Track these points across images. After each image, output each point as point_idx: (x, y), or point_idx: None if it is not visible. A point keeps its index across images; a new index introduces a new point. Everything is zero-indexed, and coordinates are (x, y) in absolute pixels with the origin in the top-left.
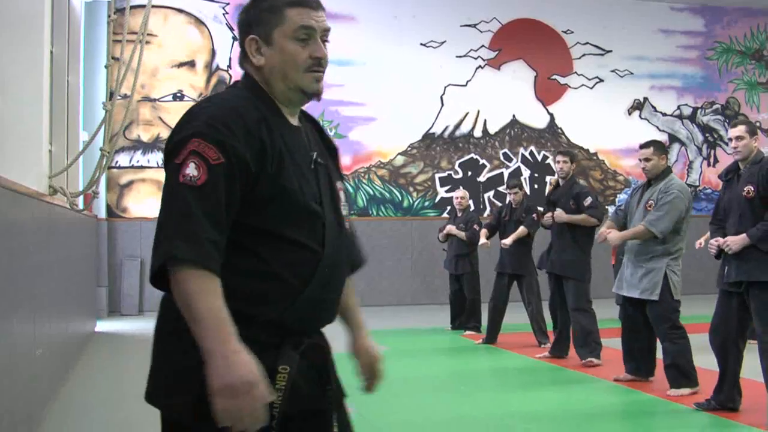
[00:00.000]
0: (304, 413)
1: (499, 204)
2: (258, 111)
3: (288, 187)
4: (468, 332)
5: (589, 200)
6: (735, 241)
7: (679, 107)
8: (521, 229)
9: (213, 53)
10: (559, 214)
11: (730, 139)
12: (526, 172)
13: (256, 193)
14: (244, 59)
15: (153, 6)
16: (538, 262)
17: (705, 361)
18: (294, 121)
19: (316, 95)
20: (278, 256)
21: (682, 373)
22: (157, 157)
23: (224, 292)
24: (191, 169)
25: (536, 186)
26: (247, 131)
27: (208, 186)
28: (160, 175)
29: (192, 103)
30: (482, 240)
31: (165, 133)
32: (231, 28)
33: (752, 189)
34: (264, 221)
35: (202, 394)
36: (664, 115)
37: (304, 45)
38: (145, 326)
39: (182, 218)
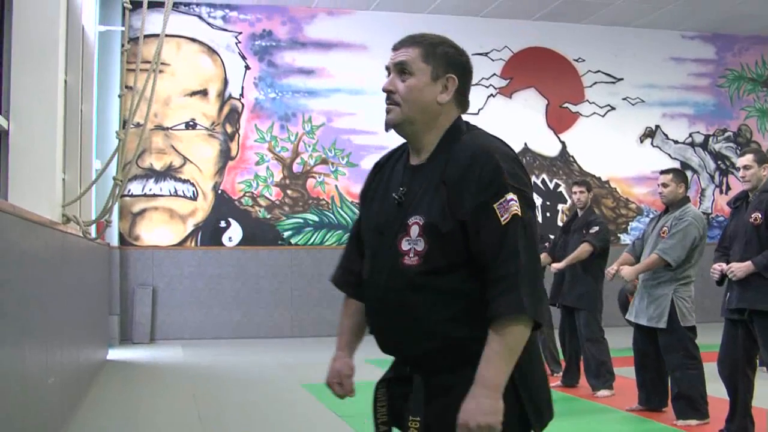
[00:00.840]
0: None
1: None
2: (392, 156)
3: (362, 220)
4: None
5: (595, 229)
6: (740, 268)
7: (690, 135)
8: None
9: (225, 82)
10: (555, 266)
11: (738, 168)
12: (538, 201)
13: None
14: None
15: (166, 35)
16: (550, 297)
17: (719, 389)
18: (416, 159)
19: (386, 125)
20: None
21: (690, 405)
22: (170, 186)
23: None
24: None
25: (548, 214)
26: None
27: None
28: (172, 203)
29: (205, 132)
30: None
31: (177, 162)
32: (243, 57)
33: (759, 216)
34: None
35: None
36: (676, 142)
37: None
38: (156, 354)
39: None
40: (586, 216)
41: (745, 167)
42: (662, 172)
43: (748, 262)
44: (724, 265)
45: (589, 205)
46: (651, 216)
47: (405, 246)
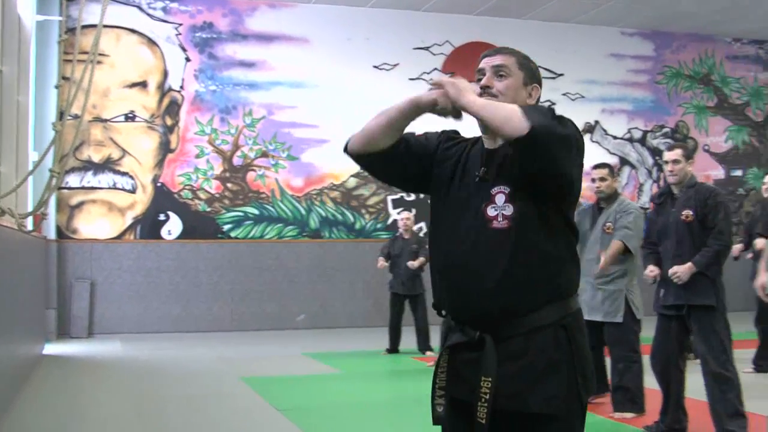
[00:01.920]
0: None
1: None
2: (460, 142)
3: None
4: (429, 354)
5: None
6: (683, 271)
7: (629, 130)
8: None
9: (165, 74)
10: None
11: (666, 162)
12: None
13: None
14: None
15: (105, 26)
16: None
17: (652, 382)
18: (492, 144)
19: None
20: None
21: (629, 398)
22: (109, 178)
23: None
24: None
25: None
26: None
27: None
28: (112, 196)
29: (144, 124)
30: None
31: (116, 154)
32: (184, 49)
33: (691, 213)
34: None
35: None
36: (615, 138)
37: (478, 83)
38: (94, 349)
39: None
40: None
41: (674, 162)
42: (597, 167)
43: (689, 264)
44: (656, 270)
45: None
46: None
47: (491, 212)
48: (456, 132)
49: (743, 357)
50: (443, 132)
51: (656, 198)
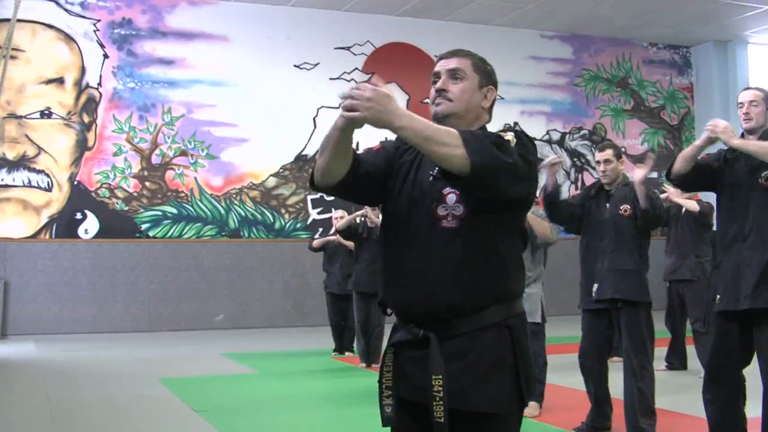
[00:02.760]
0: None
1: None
2: None
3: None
4: (348, 354)
5: None
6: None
7: (548, 132)
8: None
9: (83, 70)
10: None
11: (599, 162)
12: None
13: None
14: None
15: (20, 20)
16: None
17: (574, 382)
18: None
19: (435, 117)
20: None
21: (541, 392)
22: (23, 176)
23: None
24: None
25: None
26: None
27: None
28: (26, 194)
29: (61, 121)
30: None
31: (32, 151)
32: (102, 45)
33: (629, 207)
34: None
35: None
36: (534, 139)
37: (433, 86)
38: (7, 350)
39: None
40: None
41: (606, 161)
42: None
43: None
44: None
45: None
46: None
47: (441, 212)
48: None
49: (657, 355)
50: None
51: (591, 190)
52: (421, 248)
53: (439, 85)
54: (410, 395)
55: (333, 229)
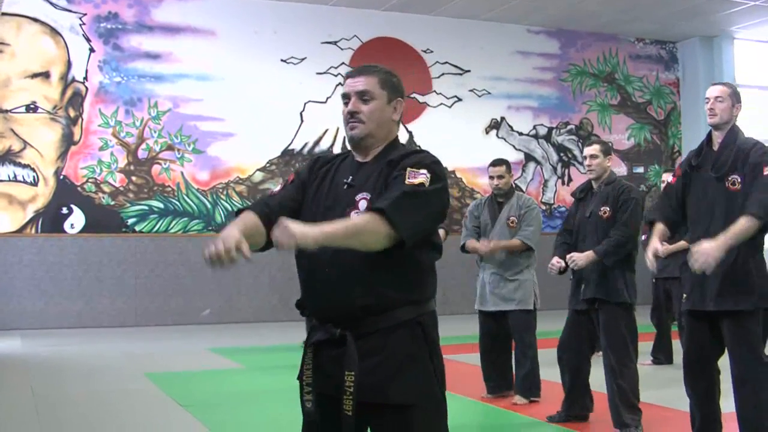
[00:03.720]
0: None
1: None
2: (335, 158)
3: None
4: None
5: None
6: (581, 257)
7: (535, 127)
8: None
9: (69, 64)
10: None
11: (585, 158)
12: None
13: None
14: None
15: (5, 14)
16: None
17: (551, 373)
18: (362, 158)
19: (352, 140)
20: None
21: (535, 383)
22: (9, 170)
23: None
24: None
25: None
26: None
27: None
28: (12, 189)
29: (46, 116)
30: None
31: (17, 146)
32: (88, 39)
33: (608, 210)
34: None
35: None
36: (521, 134)
37: (345, 106)
38: None
39: None
40: None
41: (592, 156)
42: (495, 164)
43: (590, 252)
44: (561, 262)
45: None
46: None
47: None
48: (331, 154)
49: (643, 350)
50: (317, 159)
51: (577, 193)
52: (336, 253)
53: (349, 107)
54: (329, 391)
55: None
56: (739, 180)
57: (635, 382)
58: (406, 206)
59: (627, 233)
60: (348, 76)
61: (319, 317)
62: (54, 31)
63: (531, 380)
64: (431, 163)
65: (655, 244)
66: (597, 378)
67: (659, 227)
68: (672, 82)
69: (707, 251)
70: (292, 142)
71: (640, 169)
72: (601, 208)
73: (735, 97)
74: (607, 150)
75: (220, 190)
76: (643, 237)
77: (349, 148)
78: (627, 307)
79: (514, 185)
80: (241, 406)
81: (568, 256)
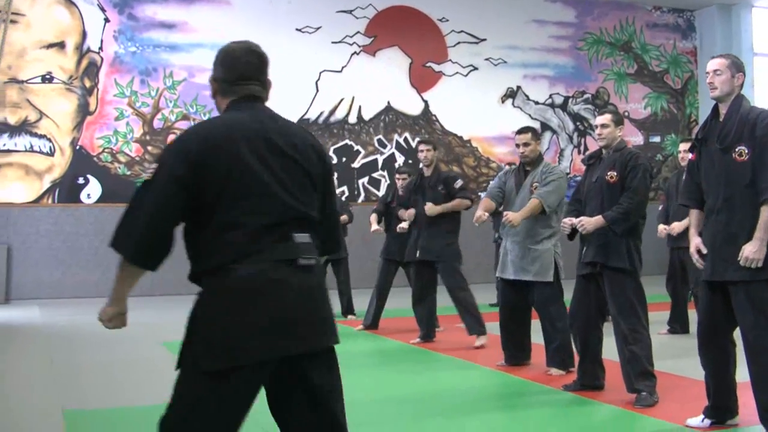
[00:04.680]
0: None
1: (373, 190)
2: None
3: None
4: (351, 318)
5: (459, 182)
6: (590, 222)
7: (551, 96)
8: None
9: (84, 35)
10: (430, 207)
11: (596, 126)
12: (400, 159)
13: None
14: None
15: None
16: (407, 254)
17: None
18: None
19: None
20: None
21: (567, 354)
22: (25, 141)
23: None
24: None
25: (410, 173)
26: None
27: None
28: (28, 159)
29: (62, 86)
30: (374, 226)
31: (33, 116)
32: (103, 9)
33: (615, 174)
34: None
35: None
36: (537, 103)
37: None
38: (11, 315)
39: None
40: (436, 173)
41: (603, 125)
42: (520, 132)
43: (599, 217)
44: (573, 220)
45: (435, 162)
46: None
47: None
48: None
49: (659, 319)
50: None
51: (586, 159)
52: None
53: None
54: None
55: None
56: (746, 151)
57: (648, 348)
58: (122, 229)
59: (636, 200)
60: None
61: None
62: (69, 1)
63: (564, 352)
64: (164, 154)
65: (697, 243)
66: (612, 347)
67: (694, 217)
68: (689, 50)
69: (752, 254)
70: (307, 112)
71: (657, 139)
72: (608, 173)
73: (735, 68)
74: (619, 120)
75: None
76: (660, 207)
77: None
78: (629, 273)
79: (541, 154)
80: None
81: (576, 220)
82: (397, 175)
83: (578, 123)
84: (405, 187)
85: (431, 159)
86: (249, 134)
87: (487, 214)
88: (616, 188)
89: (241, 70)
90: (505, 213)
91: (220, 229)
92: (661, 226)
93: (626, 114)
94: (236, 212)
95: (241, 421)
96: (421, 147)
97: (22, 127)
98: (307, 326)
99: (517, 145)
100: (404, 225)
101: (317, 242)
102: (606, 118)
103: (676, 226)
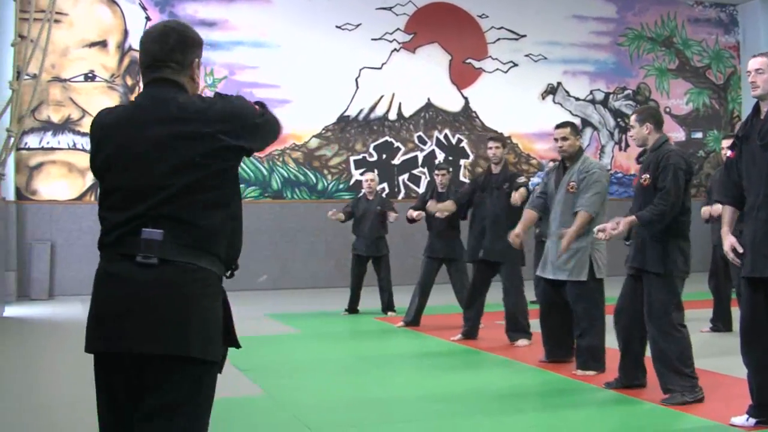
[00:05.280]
0: None
1: (413, 186)
2: None
3: None
4: (391, 314)
5: (521, 179)
6: (623, 222)
7: (591, 92)
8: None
9: (125, 33)
10: (519, 195)
11: (556, 139)
12: (440, 155)
13: None
14: (183, 72)
15: None
16: (469, 254)
17: (611, 341)
18: None
19: None
20: None
21: (593, 356)
22: (68, 139)
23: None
24: None
25: (450, 169)
26: None
27: None
28: (71, 157)
29: (104, 84)
30: (414, 213)
31: (76, 114)
32: (144, 8)
33: (648, 177)
34: None
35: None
36: (577, 99)
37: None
38: (55, 311)
39: None
40: (504, 171)
41: (631, 127)
42: (558, 127)
43: (632, 216)
44: (608, 225)
45: (504, 160)
46: (547, 171)
47: None
48: None
49: (702, 316)
50: None
51: (638, 158)
52: None
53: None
54: None
55: (363, 190)
56: None
57: (683, 349)
58: None
59: (669, 201)
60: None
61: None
62: (110, 0)
63: (590, 353)
64: None
65: (731, 241)
66: None
67: (727, 214)
68: (732, 45)
69: None
70: (347, 109)
71: (699, 135)
72: (642, 176)
73: None
74: (643, 118)
75: (276, 157)
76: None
77: None
78: (663, 276)
79: (582, 149)
80: (300, 372)
81: (612, 224)
82: (437, 171)
83: (619, 119)
84: (472, 181)
85: (501, 156)
86: (133, 123)
87: (522, 234)
88: (649, 191)
89: (150, 54)
90: (558, 233)
91: (99, 219)
92: (705, 208)
93: (668, 110)
94: (104, 204)
95: (116, 411)
96: (491, 144)
97: (65, 125)
98: (123, 325)
99: (555, 140)
100: (440, 213)
101: (184, 240)
102: (632, 119)
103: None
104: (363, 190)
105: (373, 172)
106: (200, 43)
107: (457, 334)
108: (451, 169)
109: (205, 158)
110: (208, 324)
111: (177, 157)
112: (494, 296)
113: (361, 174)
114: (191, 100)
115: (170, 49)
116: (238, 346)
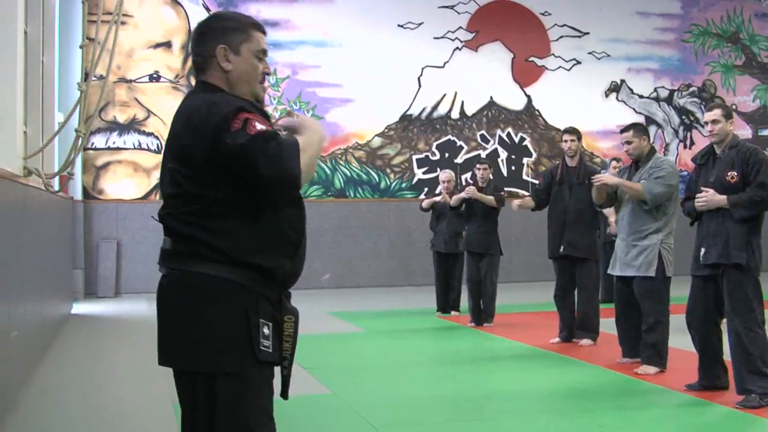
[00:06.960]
0: None
1: None
2: None
3: None
4: (454, 313)
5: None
6: (713, 199)
7: (655, 89)
8: (489, 198)
9: (189, 34)
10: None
11: (706, 123)
12: (503, 154)
13: None
14: (208, 64)
15: None
16: (550, 250)
17: (678, 341)
18: None
19: (261, 102)
20: None
21: (658, 352)
22: (134, 139)
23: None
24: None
25: (513, 168)
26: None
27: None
28: (137, 157)
29: (169, 84)
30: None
31: (141, 114)
32: (207, 9)
33: (736, 174)
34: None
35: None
36: (641, 97)
37: (260, 62)
38: (121, 308)
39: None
40: (581, 164)
41: (714, 121)
42: (623, 130)
43: (724, 196)
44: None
45: (580, 153)
46: (618, 170)
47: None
48: None
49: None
50: None
51: (699, 158)
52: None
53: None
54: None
55: (439, 188)
56: None
57: (764, 348)
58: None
59: (763, 194)
60: (264, 32)
61: (288, 286)
62: (175, 2)
63: (653, 350)
64: None
65: None
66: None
67: None
68: None
69: None
70: (410, 107)
71: (766, 132)
72: (728, 173)
73: None
74: (729, 113)
75: (339, 156)
76: None
77: None
78: (748, 270)
79: (653, 148)
80: (364, 370)
81: (698, 195)
82: (478, 165)
83: (684, 117)
84: (547, 174)
85: (575, 149)
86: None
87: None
88: (737, 189)
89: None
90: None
91: None
92: None
93: (734, 107)
94: None
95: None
96: (566, 137)
97: (131, 126)
98: (160, 341)
99: (623, 143)
100: (463, 195)
101: (186, 248)
102: (716, 113)
103: None
104: (440, 190)
105: (437, 170)
106: (223, 29)
107: (556, 337)
108: (491, 165)
109: (192, 170)
110: (195, 333)
111: (169, 170)
112: (537, 295)
113: (424, 173)
114: (198, 109)
115: (194, 46)
116: (274, 363)
